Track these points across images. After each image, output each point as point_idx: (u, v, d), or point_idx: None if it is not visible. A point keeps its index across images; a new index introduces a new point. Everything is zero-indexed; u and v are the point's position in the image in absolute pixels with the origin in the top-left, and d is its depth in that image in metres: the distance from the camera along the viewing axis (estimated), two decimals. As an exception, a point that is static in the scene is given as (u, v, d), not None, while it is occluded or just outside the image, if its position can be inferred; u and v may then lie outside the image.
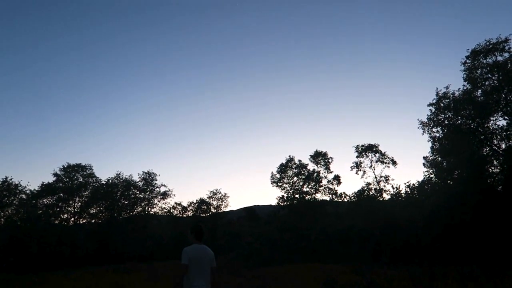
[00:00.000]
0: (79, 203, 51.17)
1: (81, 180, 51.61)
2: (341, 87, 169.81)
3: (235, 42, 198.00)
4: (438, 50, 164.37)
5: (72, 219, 50.86)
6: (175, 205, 53.62)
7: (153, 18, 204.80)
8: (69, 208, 50.85)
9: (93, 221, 52.00)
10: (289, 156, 49.41)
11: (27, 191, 47.60)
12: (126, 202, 52.36)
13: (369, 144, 45.15)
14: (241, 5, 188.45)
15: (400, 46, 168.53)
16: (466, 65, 34.33)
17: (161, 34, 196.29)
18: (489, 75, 33.29)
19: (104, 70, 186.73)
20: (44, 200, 49.04)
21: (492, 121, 33.44)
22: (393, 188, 41.74)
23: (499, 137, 33.15)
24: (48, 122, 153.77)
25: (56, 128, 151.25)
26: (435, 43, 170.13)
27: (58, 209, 49.70)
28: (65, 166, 51.18)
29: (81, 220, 51.76)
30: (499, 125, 33.11)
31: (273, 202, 49.74)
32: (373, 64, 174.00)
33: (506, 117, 32.71)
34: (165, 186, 54.44)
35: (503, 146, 32.97)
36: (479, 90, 34.05)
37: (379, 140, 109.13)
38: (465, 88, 34.38)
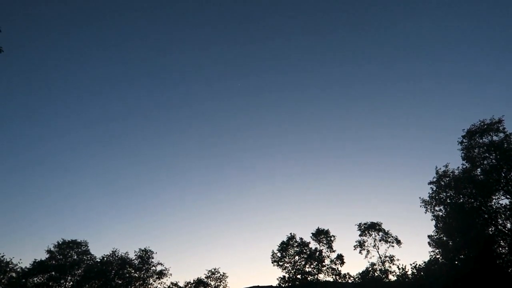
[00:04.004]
0: (71, 282, 48.84)
1: (75, 257, 49.91)
2: (342, 164, 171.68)
3: (236, 122, 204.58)
4: (437, 127, 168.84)
5: (62, 300, 48.13)
6: (171, 285, 51.19)
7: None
8: (60, 288, 48.41)
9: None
10: (290, 233, 48.28)
11: (18, 269, 45.87)
12: (120, 282, 49.93)
13: (372, 222, 44.59)
14: (242, 86, 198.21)
15: (399, 122, 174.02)
16: (463, 144, 35.32)
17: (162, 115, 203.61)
18: (487, 154, 34.01)
19: (101, 141, 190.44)
20: (35, 278, 46.91)
21: (494, 200, 33.39)
22: (399, 269, 40.38)
23: (503, 216, 32.81)
24: (46, 198, 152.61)
25: (55, 203, 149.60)
26: (433, 120, 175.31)
27: (48, 289, 47.27)
28: (60, 243, 49.87)
29: (71, 302, 48.94)
30: (502, 204, 33.03)
31: (274, 282, 47.31)
32: (375, 142, 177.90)
33: (508, 196, 32.70)
34: (161, 264, 52.37)
35: (509, 225, 32.51)
36: (479, 169, 34.55)
37: (382, 218, 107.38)
38: (464, 166, 34.99)
